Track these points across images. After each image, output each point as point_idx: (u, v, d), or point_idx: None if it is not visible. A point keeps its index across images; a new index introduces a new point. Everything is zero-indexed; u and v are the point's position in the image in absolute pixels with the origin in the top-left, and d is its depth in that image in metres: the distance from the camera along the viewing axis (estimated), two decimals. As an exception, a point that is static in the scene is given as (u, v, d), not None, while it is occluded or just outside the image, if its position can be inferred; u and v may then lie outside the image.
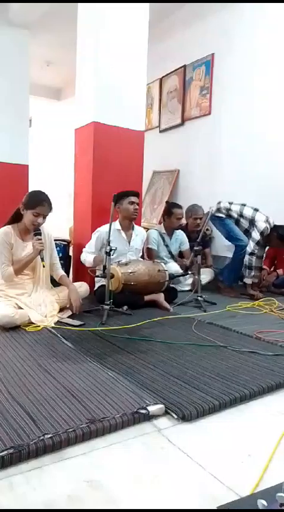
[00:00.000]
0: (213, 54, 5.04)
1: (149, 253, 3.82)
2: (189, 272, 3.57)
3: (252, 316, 2.97)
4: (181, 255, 4.02)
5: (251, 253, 3.56)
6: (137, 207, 3.28)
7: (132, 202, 3.24)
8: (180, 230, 4.01)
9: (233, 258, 3.75)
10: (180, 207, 3.91)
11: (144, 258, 3.66)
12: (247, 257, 3.58)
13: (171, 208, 3.90)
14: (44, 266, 2.66)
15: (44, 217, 2.67)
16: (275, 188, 4.23)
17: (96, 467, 1.16)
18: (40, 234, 2.63)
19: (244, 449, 1.27)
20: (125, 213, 3.26)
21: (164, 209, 4.10)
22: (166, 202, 4.29)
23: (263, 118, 4.42)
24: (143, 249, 3.67)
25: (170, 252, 3.91)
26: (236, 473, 1.15)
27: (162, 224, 3.99)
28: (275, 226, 3.54)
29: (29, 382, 1.64)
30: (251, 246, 3.56)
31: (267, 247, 3.83)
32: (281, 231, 3.49)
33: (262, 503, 0.82)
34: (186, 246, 3.99)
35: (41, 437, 1.21)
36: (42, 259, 2.63)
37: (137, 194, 3.31)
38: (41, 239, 2.61)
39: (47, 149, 9.14)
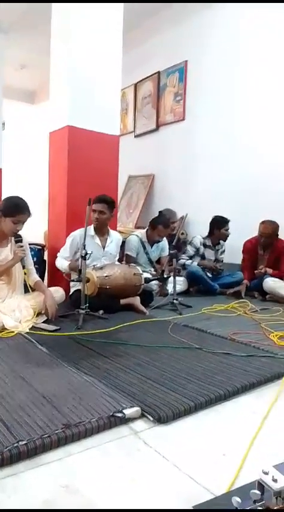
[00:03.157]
0: (186, 61, 5.14)
1: (127, 260, 3.78)
2: (165, 276, 3.57)
3: (226, 318, 3.02)
4: (158, 261, 3.98)
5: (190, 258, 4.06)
6: (97, 216, 3.14)
7: (94, 211, 3.13)
8: None
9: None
10: (167, 225, 3.79)
11: (121, 262, 3.63)
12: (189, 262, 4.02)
13: (157, 223, 3.76)
14: (25, 274, 2.75)
15: (23, 224, 2.68)
16: (247, 192, 4.33)
17: (73, 472, 1.15)
18: (21, 241, 2.66)
19: (219, 449, 1.29)
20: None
21: (153, 218, 3.89)
22: (160, 212, 4.18)
23: (235, 123, 4.53)
24: (121, 253, 3.65)
25: (149, 259, 3.86)
26: (212, 473, 1.16)
27: (146, 230, 3.91)
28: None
29: (2, 389, 1.60)
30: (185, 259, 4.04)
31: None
32: (216, 220, 4.02)
33: (236, 500, 0.83)
34: (166, 253, 3.93)
35: (15, 444, 1.19)
36: (24, 267, 2.72)
37: (101, 200, 3.14)
38: (22, 246, 2.65)
39: (21, 153, 9.01)
